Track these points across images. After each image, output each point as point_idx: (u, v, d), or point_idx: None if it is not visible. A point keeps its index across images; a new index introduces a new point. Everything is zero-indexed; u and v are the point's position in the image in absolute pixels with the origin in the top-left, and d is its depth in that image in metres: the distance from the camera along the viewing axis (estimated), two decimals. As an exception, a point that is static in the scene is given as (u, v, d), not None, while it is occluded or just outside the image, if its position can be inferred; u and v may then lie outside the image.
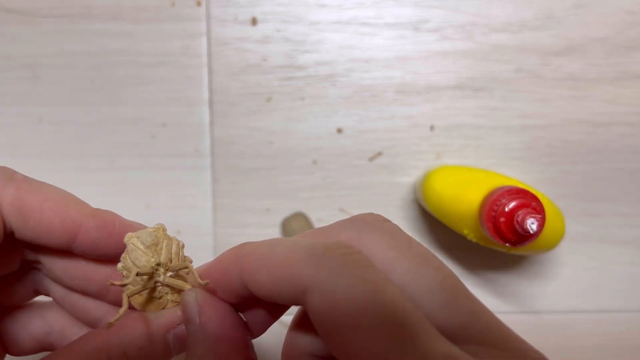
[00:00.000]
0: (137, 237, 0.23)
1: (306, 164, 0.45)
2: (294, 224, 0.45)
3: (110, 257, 0.24)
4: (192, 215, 0.46)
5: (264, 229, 0.46)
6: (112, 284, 0.22)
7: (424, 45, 0.45)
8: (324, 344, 0.21)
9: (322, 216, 0.45)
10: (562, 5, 0.44)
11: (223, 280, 0.22)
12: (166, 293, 0.24)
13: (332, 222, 0.45)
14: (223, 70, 0.45)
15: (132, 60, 0.45)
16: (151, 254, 0.23)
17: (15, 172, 0.24)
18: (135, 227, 0.24)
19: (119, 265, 0.24)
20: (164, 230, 0.24)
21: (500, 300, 0.46)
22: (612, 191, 0.45)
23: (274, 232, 0.46)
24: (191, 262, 0.24)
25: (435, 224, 0.45)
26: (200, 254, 0.46)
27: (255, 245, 0.21)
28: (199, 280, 0.22)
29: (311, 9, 0.45)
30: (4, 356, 0.27)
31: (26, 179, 0.23)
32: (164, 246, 0.24)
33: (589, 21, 0.44)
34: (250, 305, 0.23)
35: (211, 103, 0.45)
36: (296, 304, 0.20)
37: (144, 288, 0.23)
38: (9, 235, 0.23)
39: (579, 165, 0.45)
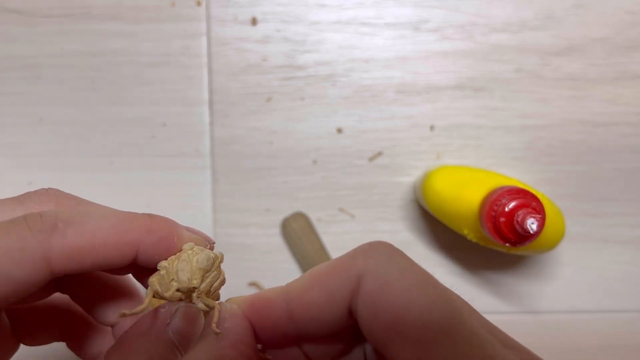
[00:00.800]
0: (196, 255, 0.23)
1: (306, 164, 0.45)
2: (294, 224, 0.45)
3: None
4: (192, 215, 0.46)
5: (264, 229, 0.46)
6: (124, 315, 0.21)
7: (424, 45, 0.45)
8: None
9: (322, 216, 0.45)
10: (562, 5, 0.44)
11: (262, 322, 0.22)
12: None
13: (332, 222, 0.47)
14: (223, 70, 0.45)
15: (132, 60, 0.45)
16: (196, 277, 0.23)
17: (58, 216, 0.21)
18: (191, 237, 0.23)
19: (163, 262, 0.22)
20: (221, 261, 0.24)
21: (500, 300, 0.46)
22: (612, 191, 0.45)
23: (274, 232, 0.46)
24: (219, 303, 0.23)
25: (435, 224, 0.45)
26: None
27: (290, 285, 0.22)
28: (214, 327, 0.22)
29: (311, 9, 0.45)
30: (18, 347, 0.27)
31: (71, 219, 0.21)
32: (210, 276, 0.23)
33: (589, 21, 0.44)
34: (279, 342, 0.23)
35: (211, 103, 0.45)
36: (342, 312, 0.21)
37: (169, 299, 0.22)
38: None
39: (579, 165, 0.45)
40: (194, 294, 0.23)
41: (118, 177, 0.45)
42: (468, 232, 0.38)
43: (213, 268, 0.23)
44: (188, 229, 0.24)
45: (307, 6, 0.45)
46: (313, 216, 0.45)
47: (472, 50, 0.44)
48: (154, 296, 0.22)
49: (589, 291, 0.46)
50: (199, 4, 0.45)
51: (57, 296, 0.27)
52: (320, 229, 0.45)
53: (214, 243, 0.25)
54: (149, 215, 0.23)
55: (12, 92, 0.45)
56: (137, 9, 0.45)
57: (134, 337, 0.22)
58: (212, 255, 0.23)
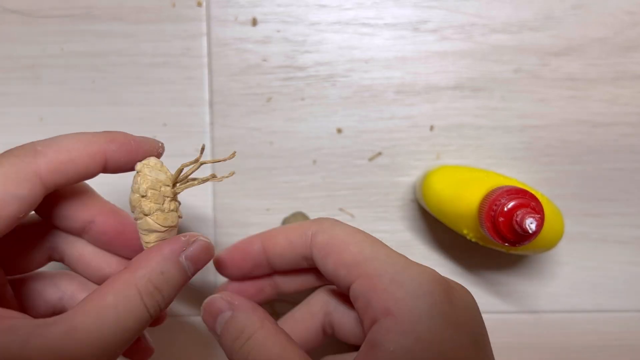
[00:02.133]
0: (148, 162, 0.28)
1: (306, 164, 0.45)
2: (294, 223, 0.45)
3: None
4: (193, 215, 0.46)
5: (264, 228, 0.46)
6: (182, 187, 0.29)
7: (424, 45, 0.45)
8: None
9: (322, 216, 0.46)
10: (562, 5, 0.44)
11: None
12: (172, 210, 0.28)
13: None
14: (223, 71, 0.45)
15: (132, 61, 0.45)
16: (163, 173, 0.29)
17: (34, 143, 0.27)
18: (145, 142, 0.29)
19: (139, 188, 0.28)
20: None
21: (499, 300, 0.46)
22: (611, 191, 0.45)
23: (274, 232, 0.46)
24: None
25: (434, 224, 0.45)
26: (201, 254, 0.46)
27: (265, 232, 0.35)
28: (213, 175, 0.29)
29: (311, 9, 0.45)
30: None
31: (46, 143, 0.27)
32: (164, 168, 0.29)
33: (589, 21, 0.44)
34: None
35: (211, 103, 0.45)
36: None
37: (191, 185, 0.29)
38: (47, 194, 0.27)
39: (578, 165, 0.45)
40: (169, 185, 0.29)
41: (118, 177, 0.45)
42: (467, 232, 0.38)
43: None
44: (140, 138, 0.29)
45: (307, 7, 0.45)
46: (313, 216, 0.46)
47: (471, 50, 0.45)
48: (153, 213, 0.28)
49: (588, 291, 0.46)
50: (199, 4, 0.45)
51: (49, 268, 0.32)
52: (320, 228, 0.46)
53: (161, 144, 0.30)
54: (107, 131, 0.28)
55: (13, 92, 0.45)
56: (137, 10, 0.45)
57: (154, 254, 0.26)
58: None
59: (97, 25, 0.45)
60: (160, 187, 0.28)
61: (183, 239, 0.27)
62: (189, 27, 0.45)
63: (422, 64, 0.45)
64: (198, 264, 0.27)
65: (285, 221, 0.45)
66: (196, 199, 0.46)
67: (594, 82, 0.45)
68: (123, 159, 0.28)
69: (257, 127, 0.45)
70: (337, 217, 0.46)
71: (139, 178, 0.28)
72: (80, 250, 0.31)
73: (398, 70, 0.45)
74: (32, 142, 0.27)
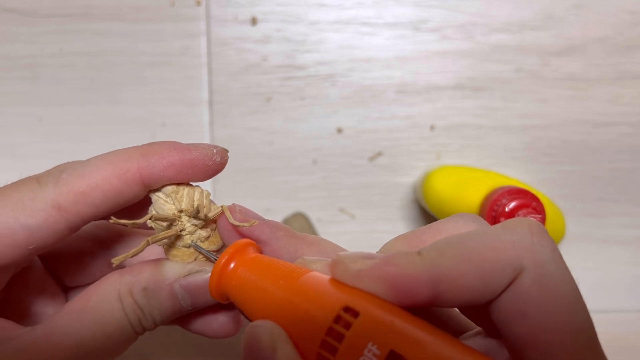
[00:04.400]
0: (157, 193, 0.24)
1: (306, 164, 0.45)
2: (294, 224, 0.45)
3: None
4: (192, 215, 0.46)
5: (264, 229, 0.46)
6: (116, 222, 0.22)
7: (424, 45, 0.45)
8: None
9: (322, 216, 0.45)
10: (562, 5, 0.44)
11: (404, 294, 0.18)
12: (193, 243, 0.24)
13: (332, 222, 0.46)
14: (223, 70, 0.45)
15: (131, 60, 0.45)
16: (171, 202, 0.24)
17: (61, 169, 0.24)
18: (194, 150, 0.24)
19: (148, 220, 0.24)
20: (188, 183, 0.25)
21: (500, 300, 0.46)
22: (612, 191, 0.45)
23: (274, 232, 0.46)
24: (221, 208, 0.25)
25: (435, 224, 0.45)
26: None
27: (438, 261, 0.18)
28: (232, 220, 0.23)
29: (311, 8, 0.44)
30: (66, 298, 0.28)
31: (72, 168, 0.23)
32: (185, 194, 0.24)
33: (589, 21, 0.44)
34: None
35: (211, 103, 0.45)
36: (491, 296, 0.19)
37: (165, 236, 0.23)
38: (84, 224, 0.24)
39: (579, 165, 0.45)
40: (184, 216, 0.24)
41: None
42: None
43: (181, 188, 0.24)
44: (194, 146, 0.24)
45: (307, 6, 0.44)
46: (313, 216, 0.45)
47: (472, 50, 0.44)
48: (153, 242, 0.23)
49: (589, 291, 0.46)
50: (198, 3, 0.45)
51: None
52: (320, 229, 0.45)
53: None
54: (149, 143, 0.24)
55: (12, 92, 0.45)
56: (136, 9, 0.44)
57: (150, 266, 0.24)
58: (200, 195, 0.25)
59: (96, 25, 0.45)
60: (160, 224, 0.24)
61: (190, 265, 0.24)
62: (188, 26, 0.45)
63: (422, 64, 0.45)
64: (196, 299, 0.24)
65: (285, 221, 0.45)
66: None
67: (594, 82, 0.45)
68: (166, 174, 0.23)
69: (257, 127, 0.45)
70: (337, 217, 0.46)
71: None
72: None
73: (398, 69, 0.45)
74: (62, 167, 0.24)
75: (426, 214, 0.45)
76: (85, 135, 0.45)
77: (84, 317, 0.23)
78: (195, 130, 0.45)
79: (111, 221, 0.22)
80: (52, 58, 0.45)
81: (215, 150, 0.25)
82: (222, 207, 0.24)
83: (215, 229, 0.24)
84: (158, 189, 0.24)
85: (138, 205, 0.25)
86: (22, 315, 0.26)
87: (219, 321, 0.26)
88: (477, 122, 0.45)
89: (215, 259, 0.23)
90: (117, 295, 0.23)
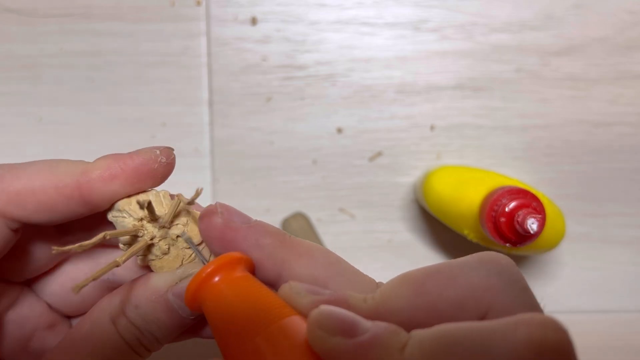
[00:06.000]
0: (111, 212, 0.23)
1: (306, 164, 0.45)
2: (294, 224, 0.45)
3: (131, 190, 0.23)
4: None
5: (264, 229, 0.46)
6: (58, 250, 0.20)
7: (424, 45, 0.44)
8: None
9: (322, 216, 0.45)
10: (562, 5, 0.44)
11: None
12: (169, 246, 0.23)
13: (332, 222, 0.46)
14: (223, 70, 0.45)
15: (131, 60, 0.45)
16: (127, 215, 0.22)
17: (5, 166, 0.22)
18: (137, 158, 0.23)
19: (121, 245, 0.23)
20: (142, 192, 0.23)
21: (500, 301, 0.46)
22: (612, 191, 0.45)
23: (274, 232, 0.46)
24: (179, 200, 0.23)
25: (435, 224, 0.45)
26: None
27: (428, 269, 0.19)
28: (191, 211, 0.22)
29: (311, 8, 0.44)
30: (70, 325, 0.27)
31: (9, 167, 0.22)
32: (137, 202, 0.23)
33: (589, 21, 0.44)
34: None
35: (211, 103, 0.45)
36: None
37: (136, 250, 0.22)
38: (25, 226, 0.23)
39: (579, 165, 0.45)
40: (146, 224, 0.22)
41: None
42: (468, 232, 0.38)
43: (132, 199, 0.23)
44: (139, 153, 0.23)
45: (307, 6, 0.44)
46: (313, 216, 0.45)
47: (472, 50, 0.44)
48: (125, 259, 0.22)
49: (589, 291, 0.46)
50: (198, 3, 0.44)
51: None
52: (320, 229, 0.45)
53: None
54: (91, 162, 0.22)
55: (12, 92, 0.45)
56: (136, 9, 0.44)
57: (139, 283, 0.22)
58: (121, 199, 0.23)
59: (96, 25, 0.45)
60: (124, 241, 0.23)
61: (178, 271, 0.23)
62: (188, 26, 0.45)
63: (422, 64, 0.45)
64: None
65: (285, 221, 0.45)
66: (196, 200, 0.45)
67: (594, 82, 0.45)
68: (110, 188, 0.22)
69: (257, 127, 0.45)
70: (337, 217, 0.46)
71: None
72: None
73: (398, 69, 0.45)
74: (3, 165, 0.22)
75: (426, 214, 0.45)
76: (86, 135, 0.45)
77: (78, 349, 0.22)
78: (195, 130, 0.45)
79: (53, 252, 0.20)
80: (52, 58, 0.45)
81: (158, 152, 0.23)
82: (177, 196, 0.23)
83: (187, 224, 0.23)
84: (110, 209, 0.23)
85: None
86: None
87: None
88: (477, 122, 0.45)
89: (206, 262, 0.22)
90: (109, 319, 0.22)
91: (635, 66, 0.44)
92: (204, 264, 0.22)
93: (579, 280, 0.46)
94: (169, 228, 0.23)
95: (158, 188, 0.24)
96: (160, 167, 0.23)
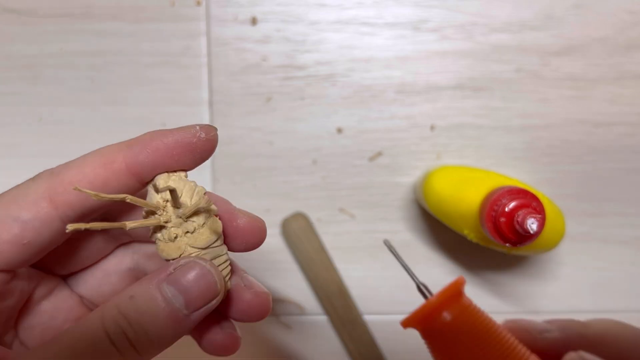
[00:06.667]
0: (150, 183, 0.24)
1: (306, 164, 0.45)
2: (294, 224, 0.45)
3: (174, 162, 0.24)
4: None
5: (264, 229, 0.46)
6: (71, 227, 0.21)
7: (424, 45, 0.45)
8: None
9: (322, 216, 0.45)
10: (562, 5, 0.44)
11: None
12: (177, 236, 0.23)
13: (332, 222, 0.46)
14: (223, 70, 0.45)
15: (131, 60, 0.45)
16: (154, 194, 0.24)
17: (59, 166, 0.24)
18: (178, 134, 0.24)
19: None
20: (181, 176, 0.24)
21: (500, 300, 0.46)
22: (612, 191, 0.45)
23: (274, 232, 0.46)
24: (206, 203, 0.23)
25: (435, 224, 0.45)
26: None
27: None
28: (212, 206, 0.23)
29: (311, 8, 0.44)
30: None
31: (63, 165, 0.24)
32: (172, 183, 0.24)
33: (589, 21, 0.44)
34: None
35: (211, 103, 0.45)
36: None
37: (144, 224, 0.23)
38: (78, 219, 0.23)
39: (579, 165, 0.45)
40: (162, 210, 0.23)
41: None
42: (468, 232, 0.38)
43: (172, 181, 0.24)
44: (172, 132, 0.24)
45: (307, 6, 0.44)
46: (313, 216, 0.45)
47: (472, 50, 0.44)
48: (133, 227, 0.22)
49: (589, 291, 0.46)
50: (198, 3, 0.45)
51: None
52: (320, 229, 0.45)
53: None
54: (136, 137, 0.24)
55: (12, 92, 0.45)
56: (136, 9, 0.44)
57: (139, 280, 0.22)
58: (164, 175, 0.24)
59: (96, 25, 0.45)
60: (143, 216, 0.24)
61: (180, 261, 0.22)
62: (188, 26, 0.45)
63: (422, 64, 0.45)
64: (189, 296, 0.21)
65: (285, 221, 0.45)
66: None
67: (595, 82, 0.45)
68: (152, 160, 0.23)
69: (257, 127, 0.45)
70: (337, 217, 0.46)
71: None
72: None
73: (398, 69, 0.45)
74: (59, 165, 0.24)
75: (426, 214, 0.45)
76: (86, 135, 0.45)
77: (60, 341, 0.20)
78: (195, 130, 0.45)
79: (68, 229, 0.20)
80: (52, 58, 0.45)
81: (198, 127, 0.24)
82: (206, 194, 0.23)
83: (203, 225, 0.23)
84: (151, 180, 0.24)
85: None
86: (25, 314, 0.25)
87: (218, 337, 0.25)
88: (477, 122, 0.45)
89: (413, 276, 0.23)
90: (99, 314, 0.21)
91: (635, 66, 0.44)
92: (414, 280, 0.24)
93: (579, 280, 0.46)
94: (185, 221, 0.23)
95: (202, 174, 0.25)
96: (200, 142, 0.23)
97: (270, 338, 0.46)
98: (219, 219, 0.24)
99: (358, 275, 0.46)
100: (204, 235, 0.23)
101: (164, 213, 0.23)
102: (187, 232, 0.23)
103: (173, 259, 0.23)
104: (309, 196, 0.45)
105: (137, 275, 0.28)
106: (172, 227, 0.23)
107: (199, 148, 0.24)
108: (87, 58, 0.45)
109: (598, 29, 0.44)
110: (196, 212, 0.23)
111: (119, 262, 0.28)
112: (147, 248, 0.28)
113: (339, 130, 0.45)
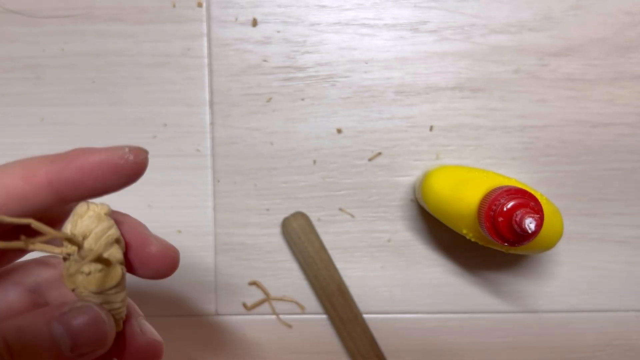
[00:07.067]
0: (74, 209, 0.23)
1: (306, 164, 0.45)
2: (294, 223, 0.45)
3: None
4: (193, 215, 0.46)
5: (264, 228, 0.46)
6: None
7: (423, 46, 0.45)
8: None
9: (322, 216, 0.46)
10: (561, 6, 0.44)
11: None
12: (76, 271, 0.22)
13: (332, 222, 0.46)
14: (224, 71, 0.45)
15: (133, 61, 0.45)
16: (69, 222, 0.23)
17: None
18: (105, 153, 0.22)
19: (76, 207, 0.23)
20: (99, 214, 0.23)
21: (499, 300, 0.46)
22: (610, 191, 0.46)
23: (274, 232, 0.46)
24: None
25: (434, 224, 0.46)
26: (201, 254, 0.46)
27: None
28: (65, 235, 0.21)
29: (311, 10, 0.45)
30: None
31: None
32: (86, 217, 0.23)
33: (588, 22, 0.45)
34: None
35: (212, 103, 0.45)
36: None
37: (43, 248, 0.21)
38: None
39: (578, 165, 0.45)
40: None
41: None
42: (467, 232, 0.38)
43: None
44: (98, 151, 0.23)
45: (307, 7, 0.45)
46: (313, 216, 0.46)
47: (471, 51, 0.45)
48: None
49: (587, 290, 0.46)
50: (199, 5, 0.45)
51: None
52: (320, 229, 0.46)
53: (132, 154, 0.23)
54: (67, 150, 0.23)
55: (14, 92, 0.45)
56: (138, 10, 0.45)
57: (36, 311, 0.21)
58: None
59: (97, 26, 0.45)
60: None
61: (76, 304, 0.21)
62: (189, 27, 0.45)
63: (421, 65, 0.45)
64: (77, 340, 0.20)
65: (285, 221, 0.45)
66: (196, 199, 0.46)
67: (593, 82, 0.45)
68: (75, 178, 0.22)
69: (257, 127, 0.45)
70: (337, 217, 0.46)
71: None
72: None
73: (398, 70, 0.45)
74: None
75: (425, 214, 0.46)
76: (87, 136, 0.45)
77: None
78: (196, 130, 0.45)
79: None
80: (54, 59, 0.45)
81: (127, 150, 0.23)
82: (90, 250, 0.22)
83: (101, 270, 0.22)
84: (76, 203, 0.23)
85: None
86: None
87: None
88: (476, 122, 0.45)
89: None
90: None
91: (633, 67, 0.45)
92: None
93: (578, 280, 0.46)
94: (83, 261, 0.22)
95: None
96: (127, 164, 0.23)
97: (270, 337, 0.47)
98: (128, 248, 0.23)
99: (358, 275, 0.46)
100: (99, 281, 0.22)
101: (68, 246, 0.22)
102: (83, 272, 0.22)
103: (72, 290, 0.22)
104: (309, 196, 0.46)
105: (36, 301, 0.25)
106: (72, 262, 0.22)
107: (125, 170, 0.23)
108: (89, 59, 0.45)
109: (596, 30, 0.45)
110: (98, 258, 0.22)
111: (19, 280, 0.25)
112: (50, 276, 0.26)
113: (339, 131, 0.45)
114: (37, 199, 0.22)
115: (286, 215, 0.45)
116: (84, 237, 0.22)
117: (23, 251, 0.24)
